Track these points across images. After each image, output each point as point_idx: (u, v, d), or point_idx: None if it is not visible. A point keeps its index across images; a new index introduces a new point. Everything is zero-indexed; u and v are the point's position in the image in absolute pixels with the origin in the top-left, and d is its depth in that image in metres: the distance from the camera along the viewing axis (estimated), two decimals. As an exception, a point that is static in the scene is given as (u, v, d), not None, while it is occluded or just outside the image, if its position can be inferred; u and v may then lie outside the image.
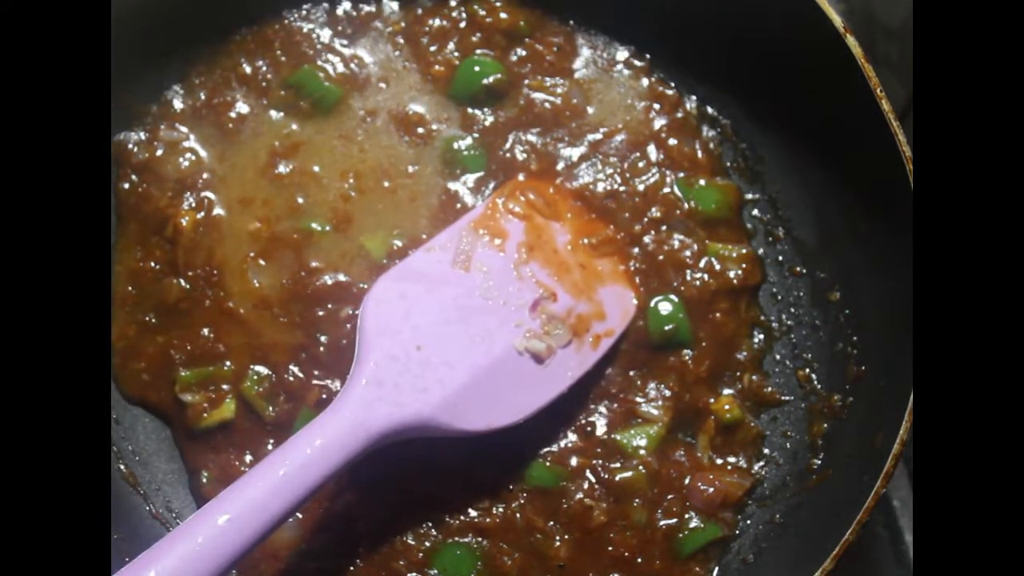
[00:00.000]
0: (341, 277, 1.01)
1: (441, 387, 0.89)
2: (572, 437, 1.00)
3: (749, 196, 1.10)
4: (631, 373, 1.02)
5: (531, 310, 0.97)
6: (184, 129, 1.05)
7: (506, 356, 0.94)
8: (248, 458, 0.99)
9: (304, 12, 1.09)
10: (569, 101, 1.08)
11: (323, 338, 1.00)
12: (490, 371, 0.93)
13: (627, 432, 1.00)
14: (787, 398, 1.05)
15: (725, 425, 1.02)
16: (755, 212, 1.10)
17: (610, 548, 0.98)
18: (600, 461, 0.99)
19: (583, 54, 1.11)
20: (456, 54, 1.09)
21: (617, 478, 0.99)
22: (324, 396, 0.99)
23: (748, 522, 1.02)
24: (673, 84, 1.11)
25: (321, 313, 1.00)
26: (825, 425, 1.02)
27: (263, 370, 1.00)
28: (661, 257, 1.05)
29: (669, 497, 0.99)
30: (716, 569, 1.00)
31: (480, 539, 0.97)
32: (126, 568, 0.73)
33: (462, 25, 1.09)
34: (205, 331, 1.00)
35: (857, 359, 1.01)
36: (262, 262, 1.02)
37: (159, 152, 1.03)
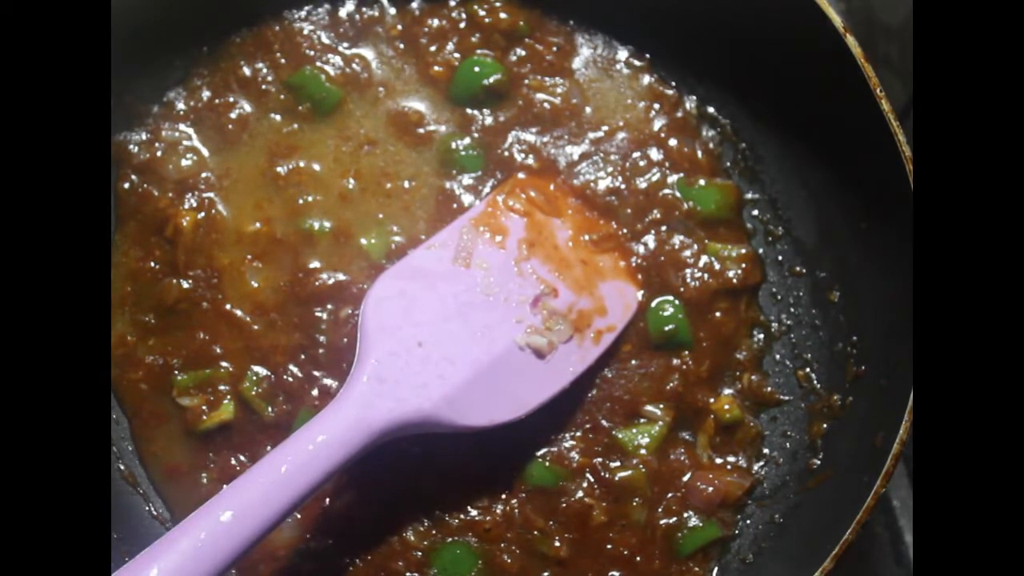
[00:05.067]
0: (340, 277, 1.01)
1: (442, 383, 0.89)
2: (572, 436, 1.00)
3: (749, 196, 1.10)
4: (631, 373, 1.02)
5: (532, 306, 0.97)
6: (185, 129, 1.05)
7: (507, 352, 0.94)
8: (247, 459, 0.99)
9: (304, 14, 1.09)
10: (569, 101, 1.08)
11: (322, 339, 1.00)
12: (491, 367, 0.93)
13: (629, 431, 1.00)
14: (787, 398, 1.05)
15: (725, 425, 1.02)
16: (755, 212, 1.10)
17: (610, 547, 0.98)
18: (600, 460, 0.99)
19: (583, 54, 1.11)
20: (456, 55, 1.09)
21: (617, 477, 0.99)
22: (323, 396, 0.99)
23: (748, 522, 1.02)
24: (673, 84, 1.11)
25: (320, 314, 1.00)
26: (825, 425, 1.02)
27: (262, 371, 1.00)
28: (661, 257, 1.05)
29: (669, 496, 0.99)
30: (716, 569, 1.00)
31: (480, 538, 0.97)
32: (128, 565, 0.73)
33: (462, 26, 1.10)
34: (203, 334, 1.00)
35: (857, 359, 1.01)
36: (259, 264, 1.02)
37: (160, 152, 1.03)
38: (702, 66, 1.10)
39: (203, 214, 1.02)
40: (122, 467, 1.00)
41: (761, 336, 1.07)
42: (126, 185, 1.03)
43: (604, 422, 1.01)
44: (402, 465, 0.97)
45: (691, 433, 1.02)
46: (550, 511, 0.98)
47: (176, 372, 1.00)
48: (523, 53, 1.09)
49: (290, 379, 0.99)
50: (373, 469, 0.94)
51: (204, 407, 0.99)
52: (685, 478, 1.00)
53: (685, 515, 1.00)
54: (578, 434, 1.00)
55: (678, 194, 1.07)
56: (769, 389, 1.05)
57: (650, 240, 1.06)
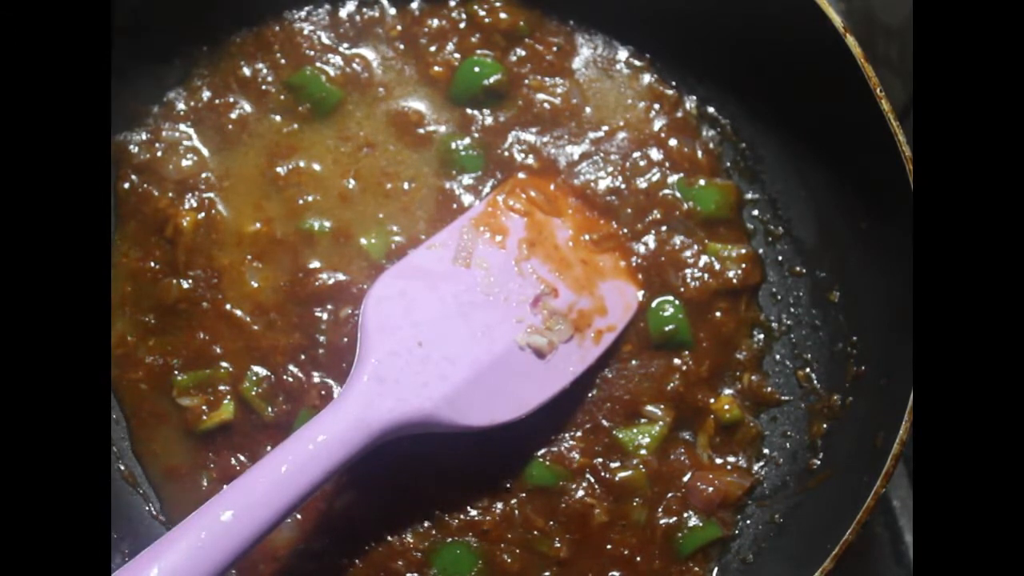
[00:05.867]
0: (340, 277, 1.01)
1: (442, 383, 0.89)
2: (572, 436, 1.00)
3: (749, 196, 1.10)
4: (631, 373, 1.02)
5: (532, 306, 0.97)
6: (185, 129, 1.05)
7: (507, 351, 0.94)
8: (247, 459, 0.99)
9: (304, 14, 1.09)
10: (569, 101, 1.08)
11: (322, 339, 1.00)
12: (492, 367, 0.93)
13: (629, 431, 1.00)
14: (787, 398, 1.05)
15: (725, 425, 1.02)
16: (755, 212, 1.10)
17: (610, 547, 0.98)
18: (600, 460, 0.99)
19: (583, 54, 1.11)
20: (456, 55, 1.09)
21: (617, 477, 0.99)
22: (323, 396, 0.99)
23: (748, 522, 1.02)
24: (673, 84, 1.11)
25: (320, 314, 1.00)
26: (825, 425, 1.02)
27: (262, 371, 1.00)
28: (661, 257, 1.05)
29: (669, 496, 0.99)
30: (716, 569, 1.00)
31: (480, 538, 0.97)
32: (129, 565, 0.73)
33: (462, 26, 1.10)
34: (203, 334, 1.00)
35: (857, 359, 1.01)
36: (259, 264, 1.02)
37: (160, 152, 1.03)
38: (702, 66, 1.10)
39: (203, 214, 1.02)
40: (122, 467, 1.00)
41: (761, 336, 1.07)
42: (126, 185, 1.03)
43: (604, 422, 1.01)
44: (402, 465, 0.97)
45: (691, 433, 1.02)
46: (550, 511, 0.98)
47: (176, 372, 1.00)
48: (523, 53, 1.09)
49: (290, 379, 0.99)
50: (373, 469, 0.94)
51: (204, 407, 0.99)
52: (685, 478, 1.00)
53: (685, 515, 1.00)
54: (578, 434, 1.00)
55: (678, 194, 1.07)
56: (769, 389, 1.05)
57: (650, 240, 1.06)
